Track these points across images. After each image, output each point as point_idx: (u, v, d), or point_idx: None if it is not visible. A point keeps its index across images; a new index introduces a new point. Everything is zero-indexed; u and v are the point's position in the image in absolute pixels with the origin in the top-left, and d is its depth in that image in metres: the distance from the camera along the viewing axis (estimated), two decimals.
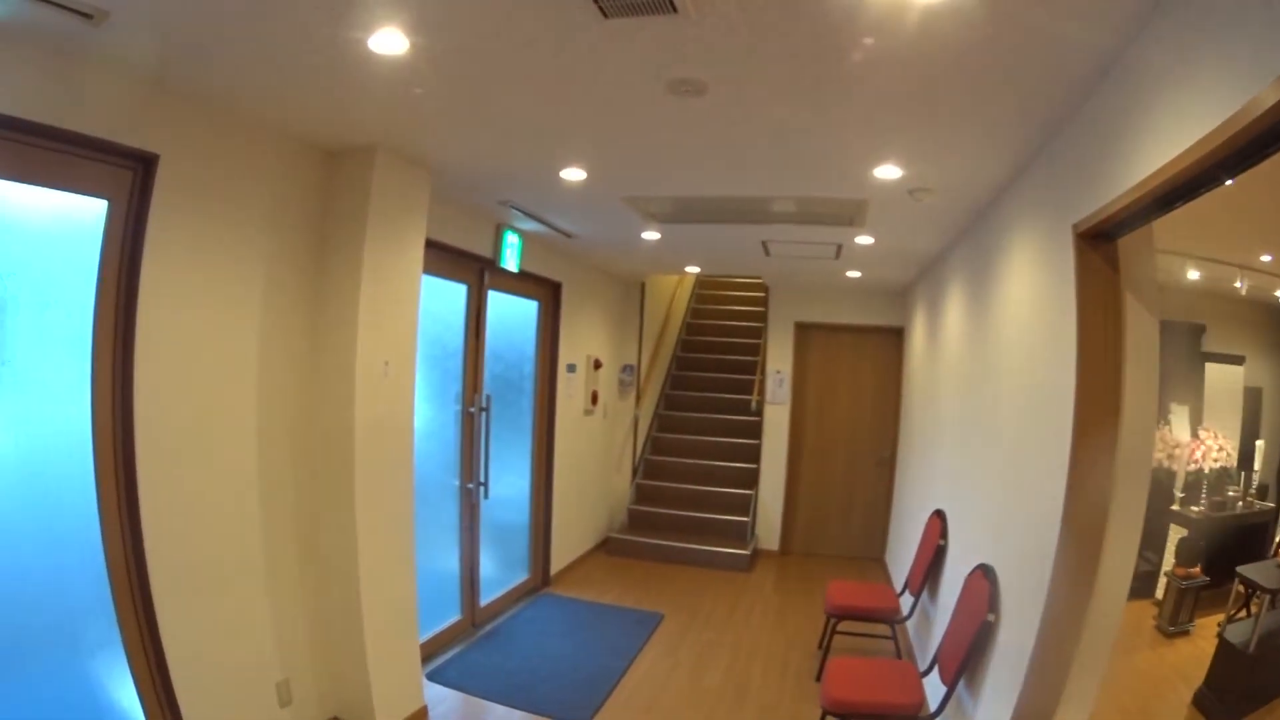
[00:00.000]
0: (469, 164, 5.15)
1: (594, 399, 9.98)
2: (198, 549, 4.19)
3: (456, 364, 6.80)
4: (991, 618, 3.97)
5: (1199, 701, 4.80)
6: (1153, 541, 6.34)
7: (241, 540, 4.49)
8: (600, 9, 2.78)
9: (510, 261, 7.15)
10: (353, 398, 4.74)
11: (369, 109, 4.14)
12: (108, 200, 3.78)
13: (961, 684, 4.23)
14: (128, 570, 3.89)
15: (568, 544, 9.36)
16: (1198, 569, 5.88)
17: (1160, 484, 6.49)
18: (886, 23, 2.74)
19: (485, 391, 7.08)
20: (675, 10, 2.74)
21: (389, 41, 3.16)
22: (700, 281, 14.11)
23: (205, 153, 4.13)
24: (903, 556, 8.03)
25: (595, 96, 3.76)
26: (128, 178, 3.85)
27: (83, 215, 3.70)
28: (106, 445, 3.83)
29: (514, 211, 6.49)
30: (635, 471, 11.18)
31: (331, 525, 4.88)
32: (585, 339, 9.67)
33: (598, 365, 10.03)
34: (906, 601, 6.33)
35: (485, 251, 6.81)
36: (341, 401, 4.78)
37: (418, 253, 5.27)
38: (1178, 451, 6.61)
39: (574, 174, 5.19)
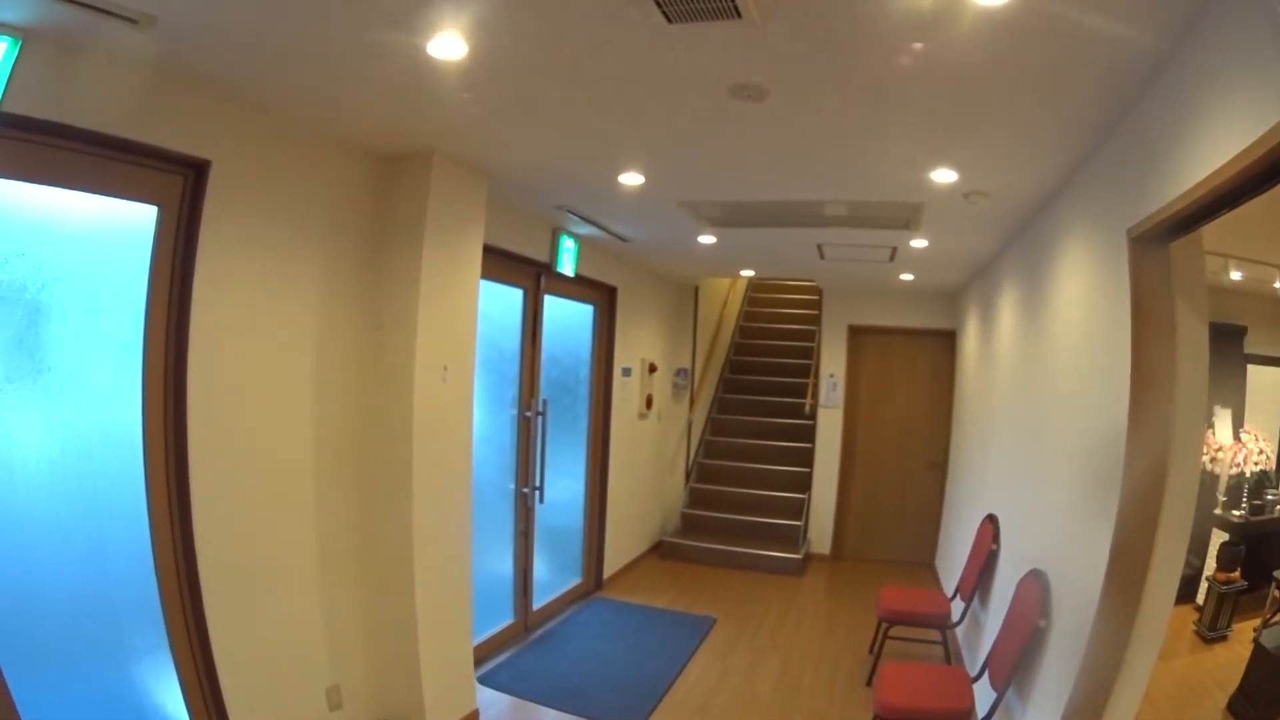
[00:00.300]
0: (526, 168, 5.13)
1: (649, 402, 9.95)
2: (250, 553, 4.20)
3: (513, 368, 6.80)
4: (1043, 623, 3.92)
5: (1233, 706, 4.80)
6: (1195, 546, 6.26)
7: (295, 544, 4.50)
8: (664, 14, 2.76)
9: (566, 266, 7.13)
10: (411, 403, 4.74)
11: (426, 114, 4.13)
12: (158, 206, 3.80)
13: (1011, 690, 4.18)
14: (177, 574, 3.90)
15: (620, 548, 9.32)
16: (1237, 573, 5.83)
17: (1204, 487, 6.41)
18: (942, 29, 2.73)
19: (542, 395, 7.06)
20: (739, 16, 2.71)
21: (448, 46, 3.15)
22: (753, 285, 14.00)
23: (257, 159, 4.14)
24: (953, 561, 7.97)
25: (656, 101, 3.74)
26: (178, 184, 3.86)
27: (127, 220, 3.72)
28: (158, 449, 3.84)
29: (570, 216, 6.47)
30: (689, 475, 11.11)
31: (388, 529, 4.88)
32: (640, 343, 9.65)
33: (652, 369, 10.00)
34: (957, 606, 6.25)
35: (541, 256, 6.80)
36: (400, 406, 4.78)
37: (476, 258, 5.26)
38: (1220, 455, 6.58)
39: (632, 179, 5.17)
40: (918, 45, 2.88)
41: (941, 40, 2.83)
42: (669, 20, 2.80)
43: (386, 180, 4.92)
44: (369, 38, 3.15)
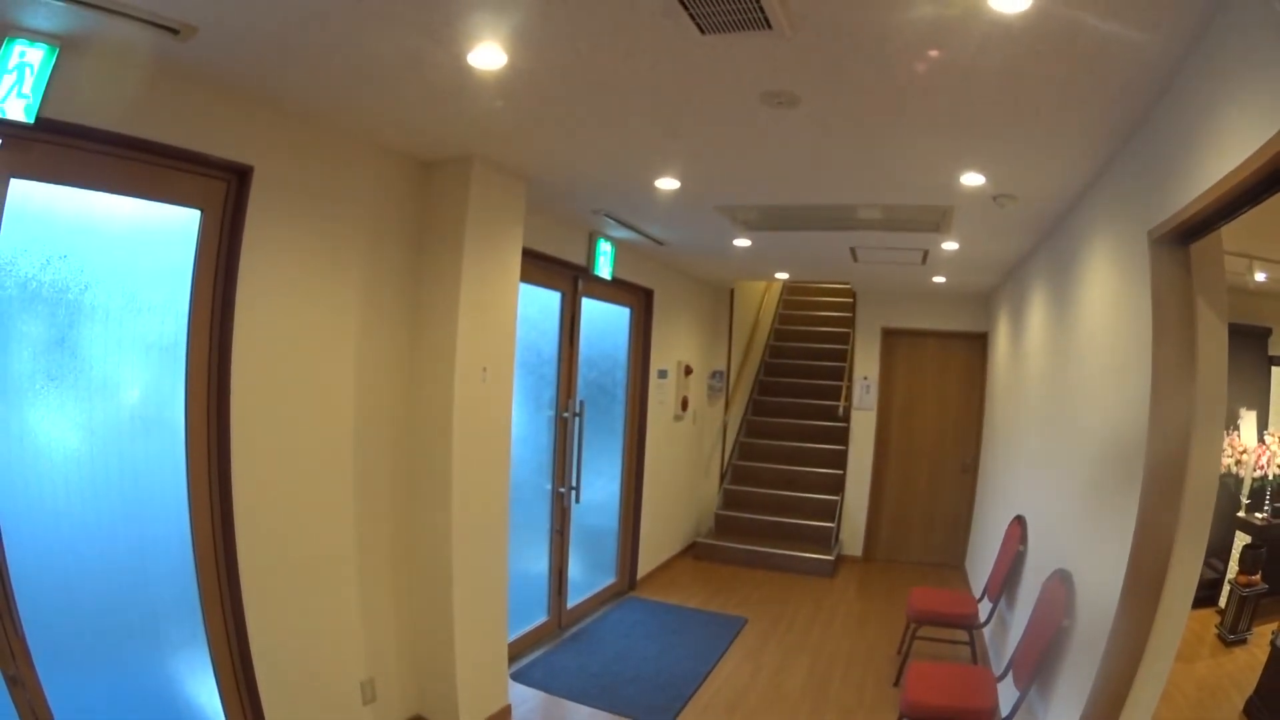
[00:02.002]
0: (564, 174, 5.15)
1: (684, 404, 9.92)
2: (289, 548, 4.22)
3: (551, 370, 6.80)
4: (1067, 623, 3.92)
5: (1249, 709, 4.82)
6: (1218, 549, 6.23)
7: (334, 540, 4.52)
8: (697, 25, 2.79)
9: (604, 269, 7.13)
10: (451, 403, 4.76)
11: (465, 121, 4.17)
12: (200, 210, 3.84)
13: (1034, 690, 4.17)
14: (217, 568, 3.93)
15: (655, 548, 9.29)
16: (1258, 576, 5.80)
17: (1227, 490, 6.40)
18: (969, 36, 2.75)
19: (579, 397, 7.07)
20: (770, 26, 2.75)
21: (488, 56, 3.19)
22: (788, 288, 13.90)
23: (299, 164, 4.17)
24: (982, 563, 7.89)
25: (690, 108, 3.77)
26: (220, 188, 3.90)
27: (165, 222, 3.75)
28: (200, 446, 3.87)
29: (607, 220, 6.47)
30: (723, 476, 11.07)
31: (427, 526, 4.90)
32: (676, 345, 9.62)
33: (688, 371, 9.97)
34: (984, 608, 6.21)
35: (579, 259, 6.80)
36: (440, 407, 4.81)
37: (515, 261, 5.27)
38: (1245, 457, 6.52)
39: (668, 184, 5.20)
40: (938, 53, 2.92)
41: (965, 48, 2.85)
42: (702, 31, 2.84)
43: (426, 185, 4.95)
44: (409, 48, 3.19)
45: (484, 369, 4.98)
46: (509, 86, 3.56)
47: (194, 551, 3.86)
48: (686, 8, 2.69)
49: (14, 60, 2.98)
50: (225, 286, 3.91)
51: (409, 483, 4.97)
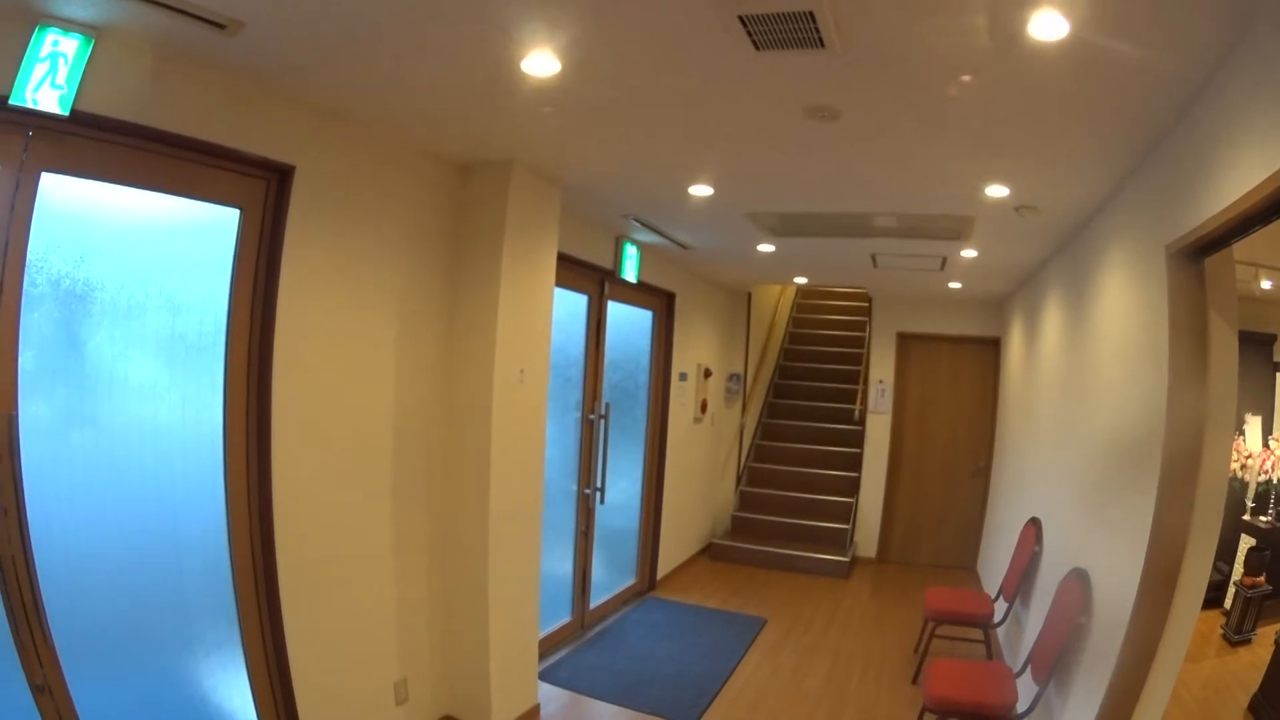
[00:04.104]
0: (599, 178, 5.16)
1: (703, 407, 9.89)
2: (328, 548, 4.19)
3: (578, 372, 6.76)
4: (1083, 620, 3.97)
5: (1253, 707, 4.88)
6: (1224, 552, 6.27)
7: (372, 540, 4.50)
8: (753, 41, 2.85)
9: (629, 272, 7.12)
10: (490, 403, 4.74)
11: (509, 127, 4.18)
12: (240, 209, 3.79)
13: (1051, 685, 4.22)
14: (254, 569, 3.89)
15: (673, 549, 9.25)
16: (1263, 578, 5.88)
17: (1233, 493, 6.44)
18: (1001, 57, 2.84)
19: (604, 399, 7.05)
20: (823, 46, 2.83)
21: (541, 64, 3.19)
22: (801, 292, 13.87)
23: (340, 164, 4.14)
24: (994, 565, 7.94)
25: (734, 119, 3.82)
26: (260, 187, 3.86)
27: (199, 220, 3.71)
28: (238, 445, 3.83)
29: (634, 224, 6.46)
30: (739, 478, 11.04)
31: (464, 526, 4.88)
32: (696, 348, 9.59)
33: (707, 374, 9.95)
34: (999, 607, 6.27)
35: (605, 263, 6.78)
36: (479, 407, 4.80)
37: (550, 264, 5.26)
38: (1250, 462, 6.58)
39: (702, 190, 5.21)
40: (976, 75, 3.02)
41: (1001, 70, 2.95)
42: (757, 48, 2.90)
43: (463, 188, 4.93)
44: (463, 52, 3.17)
45: (521, 370, 4.96)
46: (558, 93, 3.55)
47: (230, 552, 3.82)
48: (746, 25, 2.75)
49: (46, 49, 2.90)
50: (266, 285, 3.87)
51: (445, 482, 4.95)
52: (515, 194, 4.81)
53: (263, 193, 3.87)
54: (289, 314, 3.88)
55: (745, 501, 10.88)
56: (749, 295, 11.11)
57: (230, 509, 3.80)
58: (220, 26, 2.99)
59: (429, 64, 3.35)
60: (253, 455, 3.87)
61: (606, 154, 4.61)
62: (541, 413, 5.31)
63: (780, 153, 4.33)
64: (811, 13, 2.63)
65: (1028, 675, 4.51)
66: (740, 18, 2.70)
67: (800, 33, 2.76)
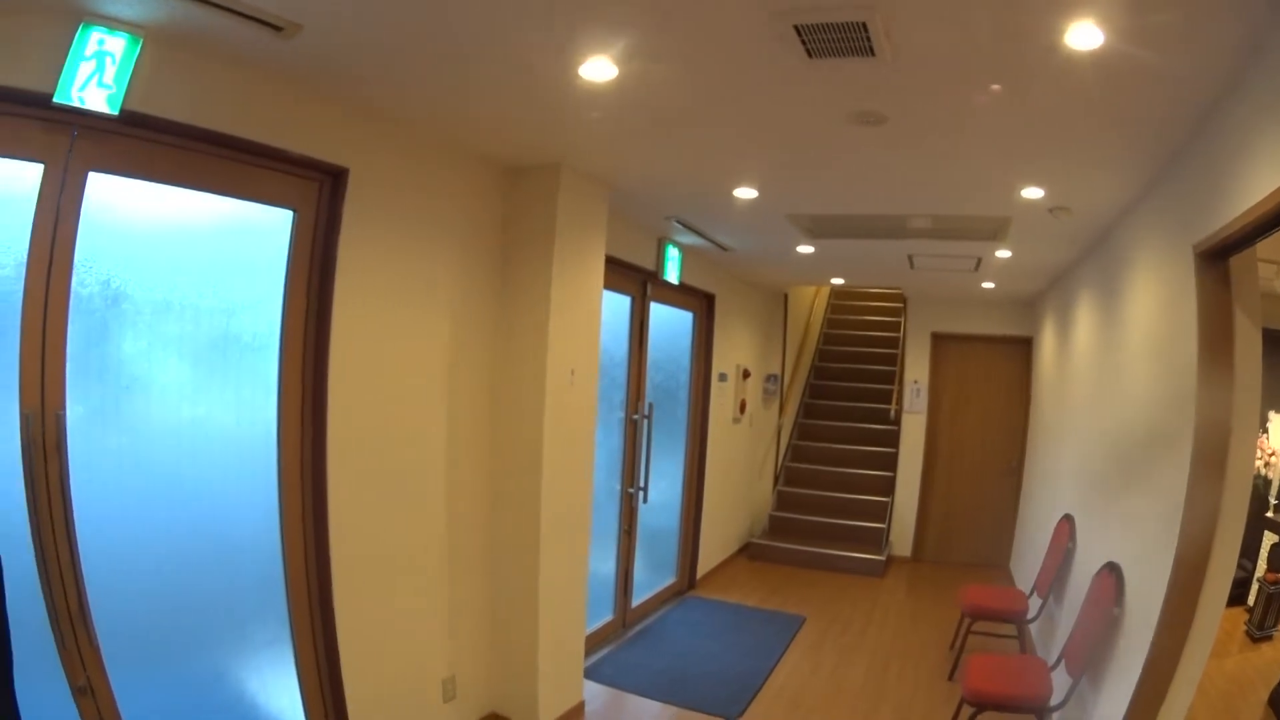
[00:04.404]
0: (645, 181, 5.22)
1: (742, 407, 9.91)
2: (381, 547, 4.22)
3: (621, 373, 6.78)
4: (1117, 612, 4.02)
5: (1273, 701, 4.94)
6: (1248, 549, 6.27)
7: (424, 539, 4.53)
8: (807, 50, 2.92)
9: (671, 274, 7.14)
10: (543, 404, 4.78)
11: (561, 130, 4.23)
12: (293, 211, 3.81)
13: (1084, 678, 4.28)
14: (306, 568, 3.91)
15: (712, 549, 9.26)
16: None
17: (1256, 491, 6.46)
18: (1039, 65, 2.92)
19: (648, 399, 7.08)
20: (873, 54, 2.91)
21: (599, 69, 3.23)
22: (835, 293, 13.83)
23: (393, 167, 4.17)
24: (1027, 563, 7.96)
25: (783, 124, 3.91)
26: (314, 189, 3.87)
27: (248, 221, 3.72)
28: (292, 445, 3.86)
29: (677, 225, 6.49)
30: (777, 478, 11.05)
31: (516, 524, 4.92)
32: (734, 349, 9.60)
33: (746, 375, 9.97)
34: (1033, 603, 6.30)
35: (648, 264, 6.80)
36: (531, 407, 4.83)
37: (598, 265, 5.30)
38: (1273, 459, 6.62)
39: (746, 193, 5.26)
40: (1014, 81, 3.12)
41: (1038, 77, 3.04)
42: (810, 55, 2.97)
43: (512, 190, 4.95)
44: (523, 56, 3.20)
45: (571, 371, 5.00)
46: (612, 98, 3.59)
47: (282, 551, 3.84)
48: (800, 34, 2.81)
49: (91, 48, 2.87)
50: (321, 286, 3.89)
51: (497, 482, 4.99)
52: (565, 197, 4.84)
53: (316, 194, 3.90)
54: (344, 314, 3.91)
55: (783, 501, 10.87)
56: (785, 296, 11.13)
57: (284, 508, 3.83)
58: (277, 29, 2.99)
59: (488, 69, 3.39)
60: (307, 455, 3.90)
61: (655, 157, 4.66)
62: (591, 412, 5.34)
63: (825, 156, 4.41)
64: (864, 23, 2.70)
65: (1061, 668, 4.57)
66: (795, 27, 2.76)
67: (852, 42, 2.83)
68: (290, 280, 3.82)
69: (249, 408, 3.76)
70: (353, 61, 3.37)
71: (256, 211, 3.73)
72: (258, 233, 3.80)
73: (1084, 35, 2.62)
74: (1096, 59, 2.79)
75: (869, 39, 2.80)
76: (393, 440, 4.30)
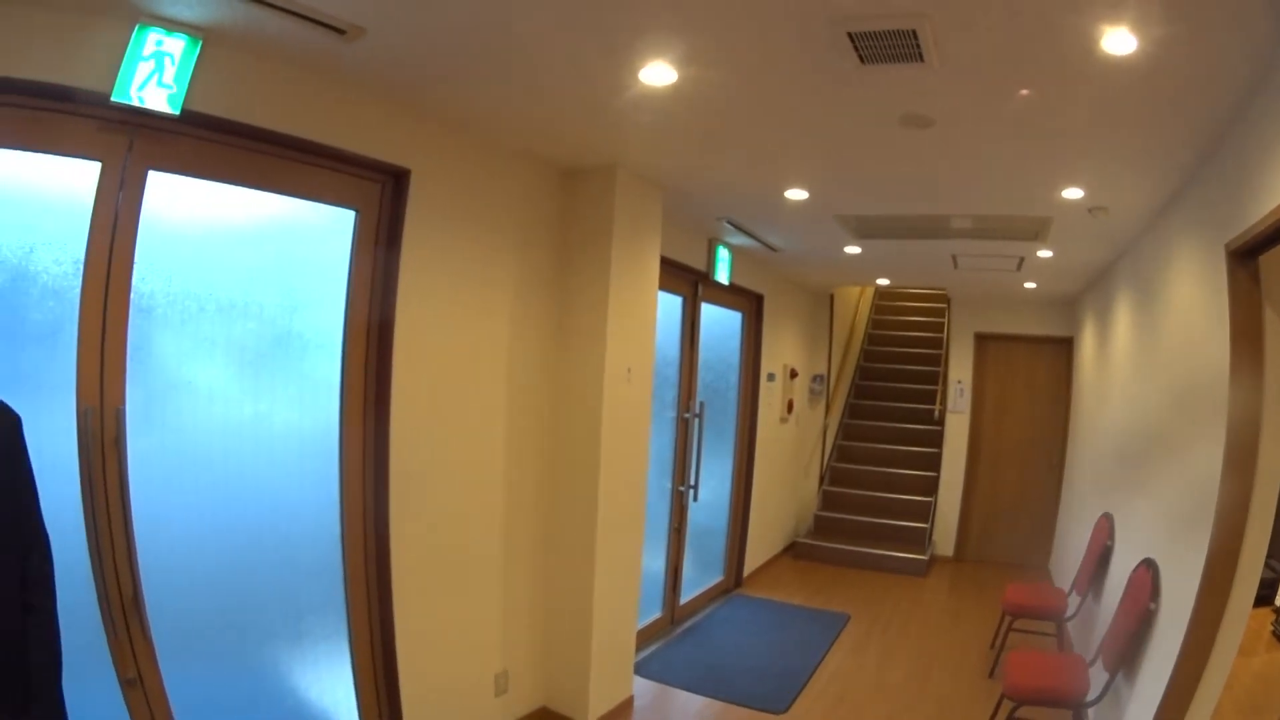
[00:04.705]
0: (698, 183, 5.29)
1: (789, 407, 9.94)
2: (439, 544, 4.27)
3: (673, 371, 6.82)
4: (1153, 606, 4.05)
5: None
6: (1276, 549, 6.24)
7: (481, 536, 4.58)
8: (859, 55, 3.03)
9: (722, 274, 7.18)
10: (601, 402, 4.85)
11: (617, 132, 4.31)
12: (355, 211, 3.86)
13: (1120, 674, 4.33)
14: (366, 561, 3.95)
15: (759, 547, 9.28)
16: None
17: None
18: (1079, 70, 3.04)
19: (698, 398, 7.11)
20: (922, 60, 3.03)
21: (659, 74, 3.32)
22: (878, 293, 13.80)
23: (453, 168, 4.24)
24: (1066, 563, 7.98)
25: (834, 127, 4.03)
26: (375, 190, 3.93)
27: (307, 221, 3.78)
28: (355, 442, 3.91)
29: (727, 226, 6.53)
30: (822, 478, 11.07)
31: (572, 521, 4.99)
32: (782, 349, 9.63)
33: (793, 375, 9.99)
34: (1071, 601, 6.36)
35: (699, 265, 6.84)
36: (590, 405, 4.90)
37: (653, 265, 5.35)
38: None
39: (797, 194, 5.33)
40: (1065, 84, 3.22)
41: (1078, 80, 3.15)
42: (862, 61, 3.08)
43: (568, 191, 5.01)
44: (584, 61, 3.28)
45: (628, 369, 5.05)
46: (670, 101, 3.67)
47: (342, 546, 3.89)
48: (853, 41, 2.93)
49: (150, 48, 2.88)
50: (384, 285, 3.95)
51: (555, 479, 5.05)
52: (621, 198, 4.90)
53: (378, 194, 3.96)
54: (406, 312, 3.97)
55: (828, 501, 10.90)
56: (831, 297, 11.11)
57: (345, 503, 3.89)
58: (340, 32, 3.02)
59: (550, 72, 3.46)
60: (369, 451, 3.95)
61: (709, 158, 4.72)
62: (646, 410, 5.40)
63: (873, 158, 4.51)
64: (915, 30, 2.82)
65: (1098, 665, 4.63)
66: (849, 34, 2.87)
67: (903, 48, 2.95)
68: (353, 278, 3.88)
69: (313, 404, 3.82)
70: (414, 64, 3.41)
71: (312, 211, 3.79)
72: (315, 232, 3.87)
73: (1118, 41, 2.74)
74: (1131, 63, 2.90)
75: (919, 45, 2.91)
76: (452, 436, 4.35)
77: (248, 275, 3.53)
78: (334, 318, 3.86)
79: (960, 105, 3.55)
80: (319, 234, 3.87)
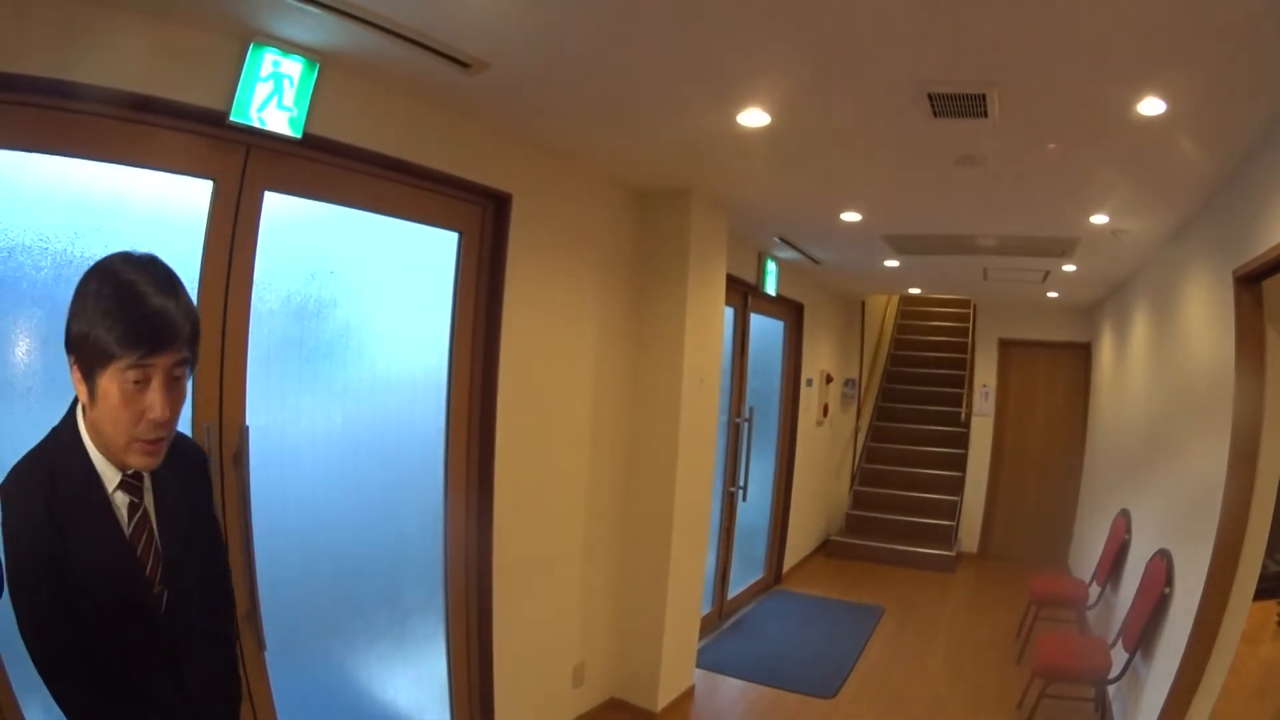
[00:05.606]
0: (762, 205, 5.57)
1: (825, 410, 10.16)
2: (533, 543, 4.45)
3: (725, 379, 6.81)
4: (1168, 591, 4.37)
5: None
6: (1277, 546, 6.52)
7: (567, 533, 4.76)
8: (933, 110, 3.40)
9: (770, 286, 7.41)
10: (679, 408, 5.06)
11: (702, 164, 4.57)
12: (459, 233, 4.00)
13: (1138, 654, 4.63)
14: (467, 565, 4.09)
15: (796, 545, 9.48)
16: None
17: None
18: (1118, 125, 3.44)
19: (748, 404, 7.31)
20: (986, 116, 3.40)
21: (754, 118, 3.64)
22: (903, 299, 13.89)
23: (548, 193, 4.41)
24: (1085, 559, 8.23)
25: (896, 164, 4.44)
26: (478, 213, 4.07)
27: (416, 241, 3.92)
28: (460, 450, 4.06)
29: (777, 241, 6.78)
30: (853, 478, 11.29)
31: (649, 520, 5.19)
32: (819, 355, 9.83)
33: (829, 379, 10.21)
34: (1092, 591, 6.71)
35: (750, 278, 7.04)
36: (668, 411, 5.12)
37: (720, 281, 5.58)
38: None
39: (851, 216, 5.61)
40: (1101, 128, 3.57)
41: (1111, 132, 3.57)
42: (934, 115, 3.45)
43: (645, 212, 5.23)
44: (693, 105, 3.54)
45: (701, 378, 5.27)
46: (758, 141, 3.99)
47: (445, 551, 4.02)
48: (931, 100, 3.31)
49: (267, 69, 2.86)
50: (490, 304, 4.12)
51: (633, 481, 5.26)
52: (696, 220, 5.14)
53: (480, 217, 4.12)
54: (510, 331, 4.16)
55: (859, 500, 11.14)
56: (863, 304, 11.32)
57: (449, 510, 4.04)
58: (465, 65, 3.10)
59: (658, 114, 3.72)
60: (474, 459, 4.14)
61: (778, 186, 5.03)
62: (714, 415, 5.62)
63: (926, 189, 4.91)
64: (984, 94, 3.21)
65: (1119, 646, 4.93)
66: (929, 94, 3.25)
67: (972, 107, 3.33)
68: (459, 296, 4.04)
69: (424, 414, 3.99)
70: (526, 96, 3.55)
71: (424, 233, 3.93)
72: (425, 254, 4.02)
73: (1151, 105, 3.14)
74: (1160, 121, 3.29)
75: (985, 106, 3.29)
76: (547, 443, 4.56)
77: (369, 292, 3.68)
78: (440, 327, 4.02)
79: (1009, 149, 3.93)
80: (420, 256, 4.02)
